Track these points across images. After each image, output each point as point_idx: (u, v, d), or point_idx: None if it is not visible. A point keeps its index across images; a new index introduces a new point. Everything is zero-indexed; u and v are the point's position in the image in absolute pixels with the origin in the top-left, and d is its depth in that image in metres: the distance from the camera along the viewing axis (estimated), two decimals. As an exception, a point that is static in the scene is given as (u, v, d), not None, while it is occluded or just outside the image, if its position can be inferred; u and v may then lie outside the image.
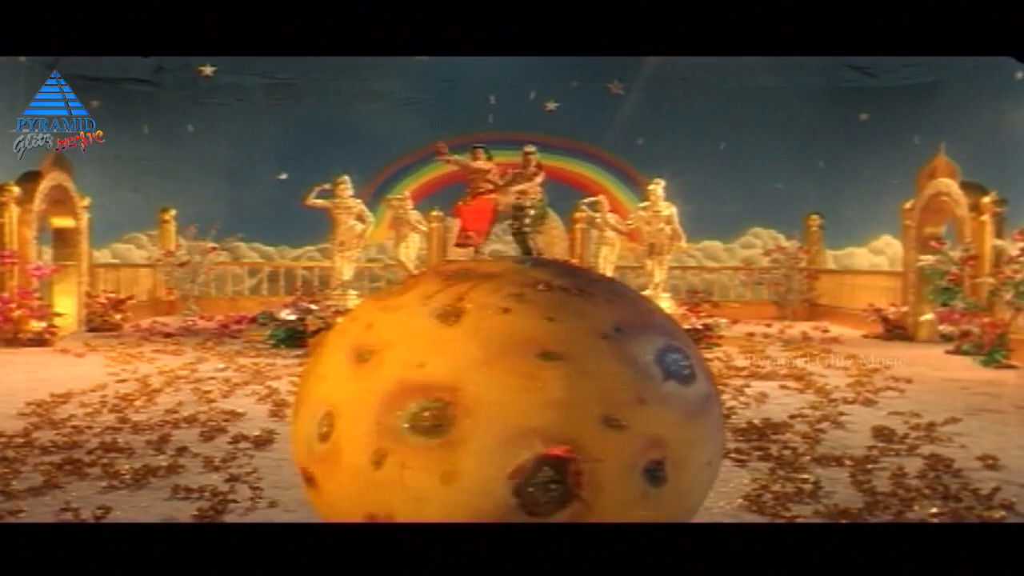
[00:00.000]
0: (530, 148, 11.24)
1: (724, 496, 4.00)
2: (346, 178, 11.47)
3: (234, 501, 3.93)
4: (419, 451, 2.29)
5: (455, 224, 12.04)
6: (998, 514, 3.81)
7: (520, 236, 10.96)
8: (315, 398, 2.56)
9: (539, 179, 11.08)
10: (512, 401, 2.29)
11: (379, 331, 2.52)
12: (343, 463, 2.41)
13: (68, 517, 3.68)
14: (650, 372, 2.41)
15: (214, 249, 15.26)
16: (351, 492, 2.41)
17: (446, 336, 2.41)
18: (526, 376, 2.32)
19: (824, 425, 5.71)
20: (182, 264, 14.90)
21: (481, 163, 10.91)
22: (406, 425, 2.31)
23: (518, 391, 2.30)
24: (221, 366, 8.47)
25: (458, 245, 11.13)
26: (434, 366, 2.36)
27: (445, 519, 2.29)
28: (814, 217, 15.85)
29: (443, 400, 2.30)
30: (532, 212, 10.92)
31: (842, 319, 13.51)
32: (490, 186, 10.93)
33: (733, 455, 4.73)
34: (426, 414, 2.30)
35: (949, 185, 10.99)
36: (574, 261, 12.51)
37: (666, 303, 10.79)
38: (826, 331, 11.86)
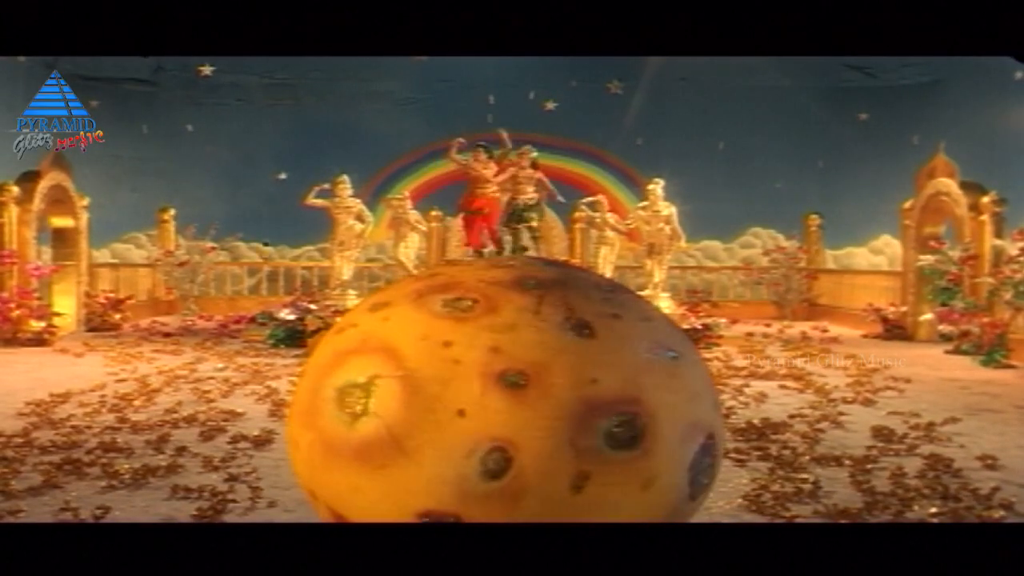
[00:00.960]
0: (528, 149, 11.24)
1: (724, 496, 4.00)
2: (345, 178, 11.47)
3: (233, 501, 3.94)
4: (620, 465, 2.31)
5: (456, 224, 12.02)
6: (997, 514, 3.81)
7: (515, 232, 10.94)
8: (457, 437, 2.29)
9: (539, 182, 11.05)
10: (677, 402, 2.44)
11: (515, 353, 2.34)
12: (530, 496, 2.26)
13: (67, 517, 3.68)
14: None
15: (213, 249, 15.26)
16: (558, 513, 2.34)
17: (592, 349, 2.39)
18: (672, 376, 2.49)
19: (823, 425, 5.71)
20: (181, 264, 14.90)
21: (481, 164, 10.89)
22: (603, 443, 2.29)
23: (675, 391, 2.46)
24: (220, 366, 8.47)
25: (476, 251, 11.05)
26: (607, 380, 2.35)
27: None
28: (813, 217, 15.86)
29: (631, 412, 2.33)
30: (532, 215, 10.91)
31: (841, 319, 13.51)
32: (491, 188, 10.91)
33: (733, 455, 4.73)
34: (618, 429, 2.30)
35: (948, 185, 10.99)
36: (573, 261, 12.50)
37: (665, 303, 10.79)
38: (825, 331, 11.86)
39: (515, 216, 10.86)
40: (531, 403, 2.28)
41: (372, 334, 2.49)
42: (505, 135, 11.27)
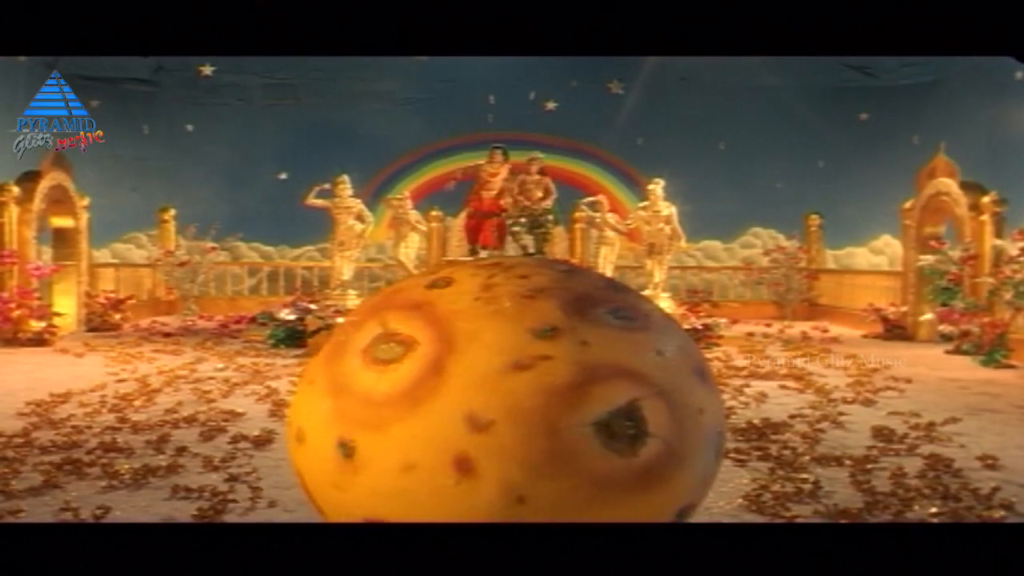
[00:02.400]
0: (537, 154, 11.25)
1: (724, 496, 4.00)
2: (345, 178, 11.46)
3: (234, 501, 3.94)
4: None
5: (456, 224, 12.02)
6: (998, 514, 3.81)
7: (517, 235, 10.95)
8: (702, 432, 2.53)
9: (547, 190, 11.06)
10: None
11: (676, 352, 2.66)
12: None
13: (68, 517, 3.68)
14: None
15: (213, 249, 15.26)
16: None
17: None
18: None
19: (824, 425, 5.71)
20: (182, 264, 14.90)
21: (496, 167, 10.91)
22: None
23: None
24: (220, 366, 8.47)
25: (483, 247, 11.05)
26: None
27: None
28: (814, 217, 15.85)
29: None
30: (549, 220, 10.93)
31: (842, 319, 13.51)
32: (494, 191, 10.92)
33: (733, 455, 4.73)
34: None
35: (949, 185, 10.99)
36: (573, 261, 12.50)
37: (666, 303, 10.78)
38: (826, 331, 11.86)
39: (532, 222, 10.86)
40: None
41: (595, 363, 2.40)
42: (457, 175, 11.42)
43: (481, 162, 11.13)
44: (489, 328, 2.42)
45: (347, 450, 2.38)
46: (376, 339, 2.48)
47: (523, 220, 10.85)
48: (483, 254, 10.57)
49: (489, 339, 2.39)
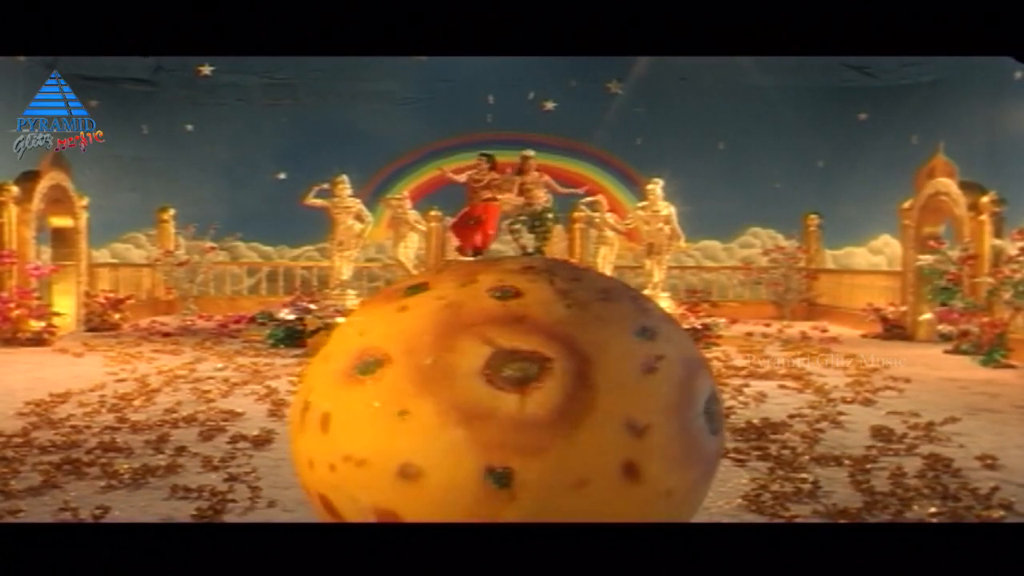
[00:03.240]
0: (529, 152, 11.26)
1: (723, 496, 4.00)
2: (345, 178, 11.46)
3: (233, 501, 3.94)
4: None
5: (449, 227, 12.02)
6: (997, 514, 3.81)
7: (517, 235, 10.95)
8: None
9: (547, 186, 11.07)
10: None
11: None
12: None
13: (67, 517, 3.68)
14: None
15: (213, 249, 15.26)
16: None
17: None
18: None
19: (823, 425, 5.72)
20: (181, 264, 14.90)
21: (481, 174, 10.91)
22: None
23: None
24: (220, 366, 8.47)
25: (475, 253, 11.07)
26: None
27: None
28: (813, 217, 15.86)
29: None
30: (548, 218, 10.92)
31: (841, 319, 13.51)
32: (488, 195, 10.91)
33: (732, 455, 4.73)
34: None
35: (948, 185, 10.99)
36: (573, 261, 12.50)
37: (665, 303, 10.79)
38: (825, 331, 11.87)
39: (532, 222, 10.86)
40: None
41: (687, 356, 2.63)
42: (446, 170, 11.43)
43: (468, 170, 11.12)
44: (605, 335, 2.46)
45: (501, 478, 2.28)
46: (494, 358, 2.36)
47: (523, 219, 10.85)
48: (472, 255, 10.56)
49: (612, 346, 2.45)
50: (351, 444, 2.40)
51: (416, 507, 2.35)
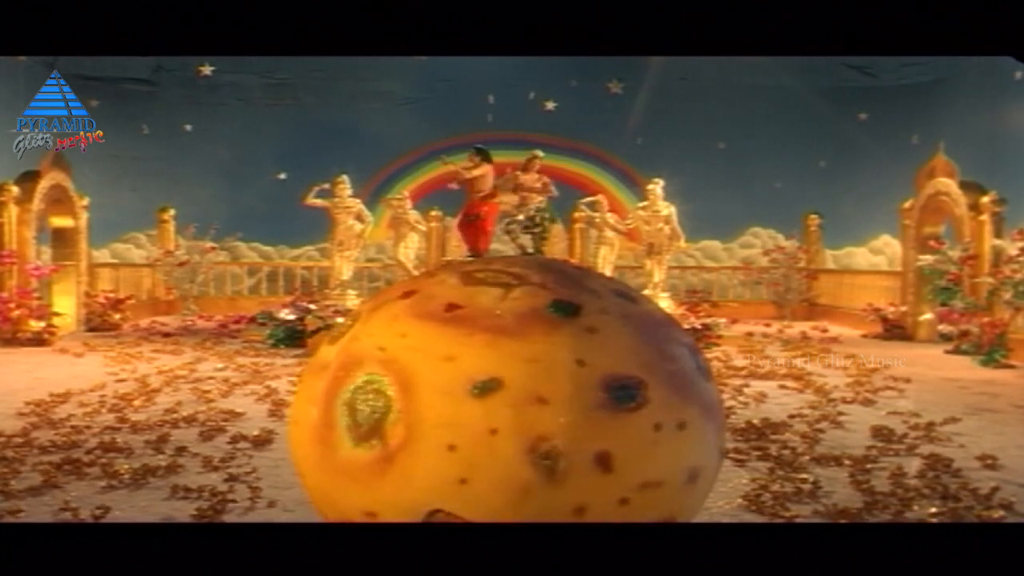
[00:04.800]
0: (538, 153, 11.23)
1: (723, 496, 4.00)
2: (345, 178, 11.46)
3: (233, 501, 3.93)
4: None
5: (454, 227, 12.03)
6: (997, 514, 3.81)
7: (513, 235, 10.96)
8: None
9: (544, 186, 11.06)
10: None
11: None
12: None
13: (67, 517, 3.68)
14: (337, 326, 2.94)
15: (213, 249, 15.27)
16: None
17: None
18: None
19: (823, 425, 5.72)
20: (181, 264, 14.91)
21: (477, 170, 10.89)
22: None
23: None
24: (220, 366, 8.47)
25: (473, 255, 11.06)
26: None
27: None
28: (813, 217, 15.86)
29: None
30: (545, 218, 10.92)
31: (841, 319, 13.51)
32: (481, 193, 10.91)
33: (732, 455, 4.73)
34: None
35: (948, 185, 10.99)
36: (573, 261, 12.50)
37: (665, 303, 10.78)
38: (825, 331, 11.87)
39: (528, 222, 10.85)
40: None
41: None
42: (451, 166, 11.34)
43: (462, 166, 11.10)
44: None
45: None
46: (605, 381, 2.40)
47: (520, 219, 10.85)
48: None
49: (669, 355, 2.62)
50: (644, 473, 2.43)
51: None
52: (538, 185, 10.93)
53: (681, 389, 2.53)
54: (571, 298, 2.57)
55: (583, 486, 2.33)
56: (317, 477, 2.58)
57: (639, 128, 16.63)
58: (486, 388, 2.33)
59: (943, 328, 10.61)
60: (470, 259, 10.07)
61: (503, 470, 2.31)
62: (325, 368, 2.60)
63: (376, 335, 2.54)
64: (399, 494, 2.37)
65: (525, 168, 11.09)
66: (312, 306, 10.68)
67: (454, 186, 11.28)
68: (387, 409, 2.38)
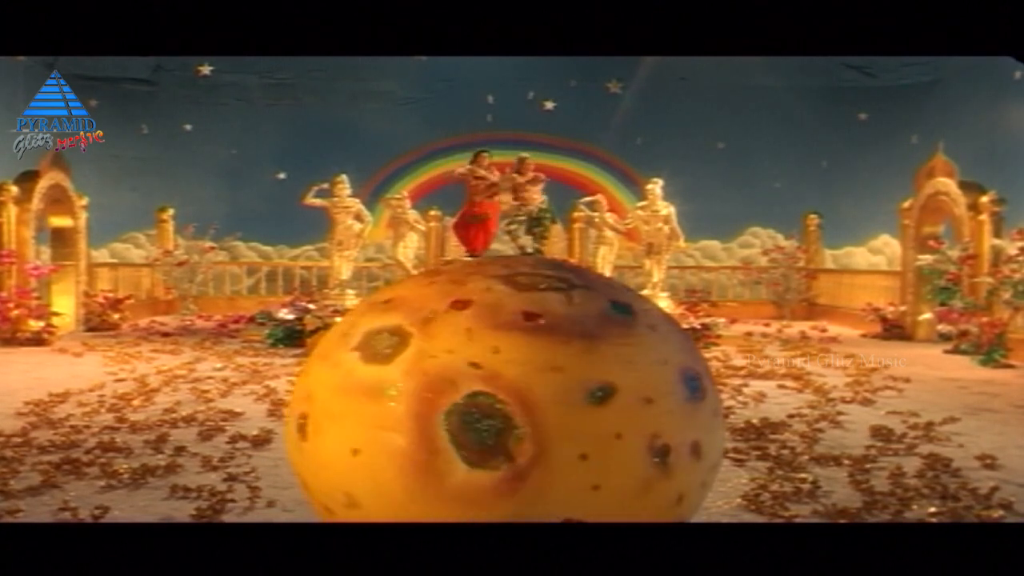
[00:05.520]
0: (523, 155, 11.29)
1: (723, 496, 4.00)
2: (344, 177, 11.45)
3: (232, 500, 3.93)
4: None
5: (451, 227, 12.04)
6: (996, 513, 3.81)
7: (514, 235, 10.97)
8: None
9: (539, 185, 11.09)
10: None
11: None
12: None
13: (66, 517, 3.68)
14: (349, 339, 2.66)
15: (212, 248, 15.26)
16: None
17: None
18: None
19: (822, 424, 5.71)
20: (180, 263, 14.90)
21: (484, 169, 10.93)
22: None
23: None
24: (219, 366, 8.46)
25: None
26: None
27: None
28: (812, 216, 15.86)
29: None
30: (545, 218, 10.93)
31: (840, 318, 13.51)
32: (489, 192, 10.93)
33: (732, 455, 4.73)
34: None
35: (947, 184, 10.99)
36: (572, 260, 12.50)
37: (664, 302, 10.78)
38: (824, 330, 11.87)
39: (530, 222, 10.87)
40: None
41: None
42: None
43: (466, 167, 11.13)
44: None
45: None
46: (681, 375, 2.59)
47: (520, 219, 10.85)
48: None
49: None
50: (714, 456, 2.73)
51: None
52: (536, 190, 10.96)
53: (713, 379, 2.77)
54: (616, 297, 2.65)
55: (683, 475, 2.50)
56: (418, 508, 2.39)
57: (637, 128, 16.61)
58: (603, 394, 2.37)
59: (942, 328, 10.61)
60: (470, 259, 10.11)
61: (630, 471, 2.40)
62: (377, 391, 2.41)
63: (459, 351, 2.41)
64: (530, 510, 2.34)
65: (519, 171, 11.12)
66: (311, 306, 10.68)
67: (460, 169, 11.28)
68: (505, 427, 2.31)
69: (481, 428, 2.32)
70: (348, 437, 2.45)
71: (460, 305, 2.51)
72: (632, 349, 2.50)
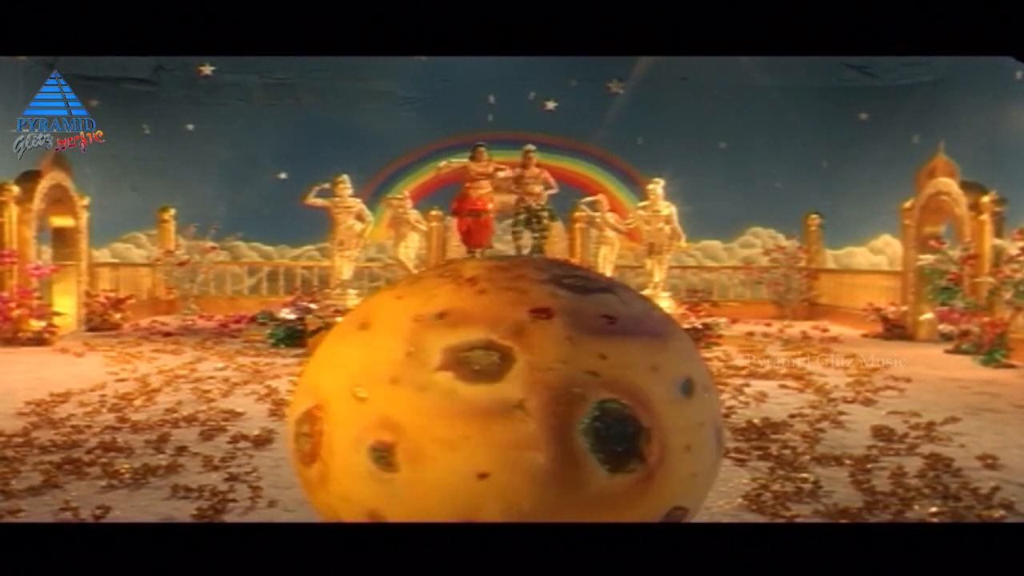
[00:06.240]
0: (530, 147, 11.26)
1: (724, 496, 4.00)
2: (345, 177, 11.45)
3: (233, 500, 3.94)
4: None
5: (454, 225, 12.04)
6: (997, 513, 3.81)
7: (517, 235, 10.97)
8: None
9: (547, 183, 11.09)
10: (319, 358, 2.74)
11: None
12: None
13: (67, 516, 3.68)
14: (424, 358, 2.42)
15: (213, 248, 15.27)
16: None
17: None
18: (338, 339, 2.73)
19: (824, 424, 5.72)
20: (181, 263, 14.91)
21: (484, 165, 10.92)
22: None
23: (326, 350, 2.73)
24: (220, 365, 8.47)
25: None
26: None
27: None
28: (813, 216, 15.86)
29: None
30: (543, 216, 10.93)
31: (841, 318, 13.51)
32: (484, 189, 10.92)
33: (733, 454, 4.74)
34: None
35: (948, 184, 10.99)
36: (573, 260, 12.50)
37: (665, 302, 10.78)
38: (825, 330, 11.86)
39: (529, 219, 10.86)
40: None
41: None
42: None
43: (465, 161, 11.13)
44: None
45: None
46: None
47: (521, 218, 10.85)
48: (479, 253, 10.57)
49: None
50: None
51: None
52: (539, 187, 10.95)
53: None
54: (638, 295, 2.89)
55: (717, 457, 2.71)
56: (562, 519, 2.41)
57: (637, 128, 16.61)
58: (687, 388, 2.53)
59: (943, 328, 10.60)
60: (470, 256, 10.11)
61: (710, 456, 2.62)
62: (501, 411, 2.33)
63: (571, 360, 2.40)
64: (650, 505, 2.44)
65: (524, 164, 11.11)
66: (312, 306, 10.68)
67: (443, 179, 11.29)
68: (635, 429, 2.37)
69: (616, 434, 2.35)
70: (471, 461, 2.33)
71: (543, 313, 2.48)
72: (683, 343, 2.73)
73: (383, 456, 2.37)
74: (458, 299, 2.55)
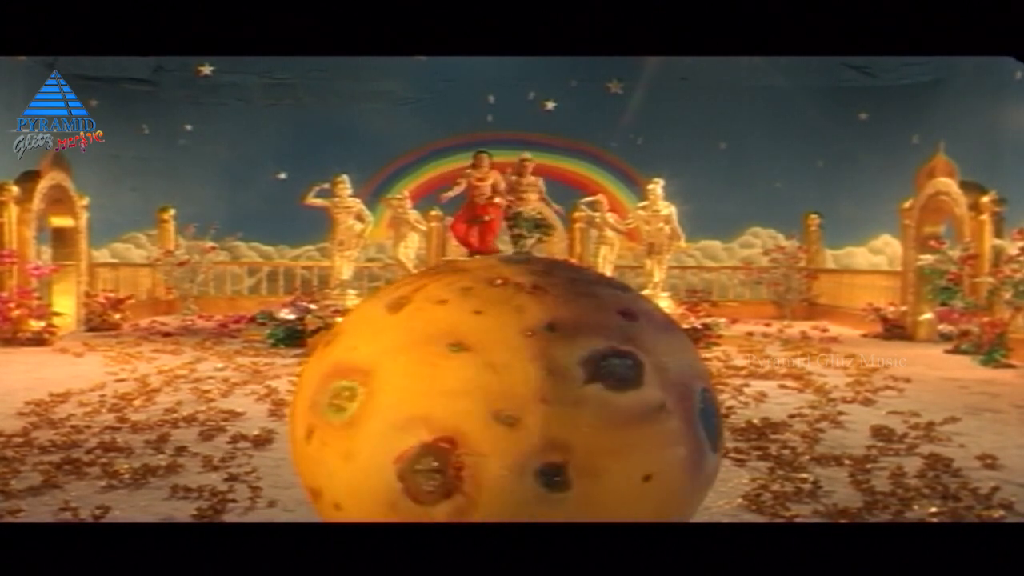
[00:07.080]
0: (526, 155, 11.31)
1: (723, 496, 4.00)
2: (345, 177, 11.46)
3: (233, 501, 3.94)
4: (331, 429, 2.46)
5: (450, 229, 12.07)
6: (997, 513, 3.81)
7: (518, 240, 10.98)
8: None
9: (541, 194, 11.15)
10: (409, 388, 2.38)
11: (345, 320, 2.90)
12: (290, 436, 2.69)
13: (67, 517, 3.68)
14: (567, 373, 2.36)
15: (213, 248, 15.26)
16: (296, 462, 2.68)
17: (384, 324, 2.55)
18: (429, 364, 2.39)
19: (823, 424, 5.72)
20: (181, 263, 14.91)
21: (484, 171, 10.96)
22: (327, 404, 2.47)
23: (418, 378, 2.39)
24: (220, 366, 8.46)
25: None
26: (363, 350, 2.51)
27: (347, 496, 2.44)
28: (813, 216, 15.85)
29: (356, 382, 2.44)
30: (544, 222, 10.96)
31: (841, 318, 13.51)
32: (486, 195, 10.97)
33: (732, 455, 4.74)
34: (345, 394, 2.44)
35: (948, 184, 10.99)
36: (573, 260, 12.50)
37: (665, 303, 10.78)
38: (825, 330, 11.87)
39: (531, 227, 10.88)
40: (318, 356, 2.79)
41: None
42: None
43: (467, 169, 11.18)
44: None
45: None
46: None
47: (524, 222, 10.86)
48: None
49: None
50: None
51: None
52: (535, 194, 11.02)
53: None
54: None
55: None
56: (693, 505, 2.67)
57: (635, 127, 16.62)
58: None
59: (943, 328, 10.60)
60: (472, 258, 10.11)
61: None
62: (649, 414, 2.42)
63: (671, 355, 2.58)
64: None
65: (519, 172, 11.14)
66: (312, 306, 10.67)
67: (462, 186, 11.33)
68: (719, 414, 2.76)
69: (715, 418, 2.65)
70: (638, 466, 2.41)
71: (630, 316, 2.58)
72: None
73: (554, 477, 2.32)
74: (546, 309, 2.49)
